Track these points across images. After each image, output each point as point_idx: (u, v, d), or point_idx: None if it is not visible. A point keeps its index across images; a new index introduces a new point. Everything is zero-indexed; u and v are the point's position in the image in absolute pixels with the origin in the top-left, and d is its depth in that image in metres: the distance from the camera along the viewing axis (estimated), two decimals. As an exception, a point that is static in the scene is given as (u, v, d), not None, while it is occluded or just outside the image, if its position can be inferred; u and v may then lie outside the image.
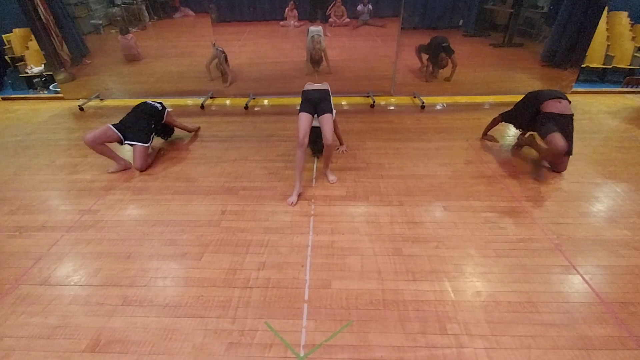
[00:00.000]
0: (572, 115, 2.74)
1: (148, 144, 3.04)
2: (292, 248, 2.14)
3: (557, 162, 2.84)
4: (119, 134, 2.95)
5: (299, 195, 2.61)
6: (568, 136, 2.66)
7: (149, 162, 3.08)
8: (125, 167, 3.03)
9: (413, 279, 1.90)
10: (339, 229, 2.28)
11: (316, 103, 2.68)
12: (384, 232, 2.25)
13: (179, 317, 1.73)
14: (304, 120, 2.64)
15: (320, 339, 1.61)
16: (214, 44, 4.55)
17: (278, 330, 1.64)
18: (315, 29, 4.53)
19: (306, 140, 2.60)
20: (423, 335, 1.61)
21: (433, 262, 2.01)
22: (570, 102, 2.79)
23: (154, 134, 3.15)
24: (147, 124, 3.08)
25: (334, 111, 2.80)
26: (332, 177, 2.82)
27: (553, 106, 2.75)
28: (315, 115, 2.70)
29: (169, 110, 3.33)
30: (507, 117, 3.19)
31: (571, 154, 2.73)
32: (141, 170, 3.00)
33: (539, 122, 2.78)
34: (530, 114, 2.91)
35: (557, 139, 2.58)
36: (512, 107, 3.14)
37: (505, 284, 1.87)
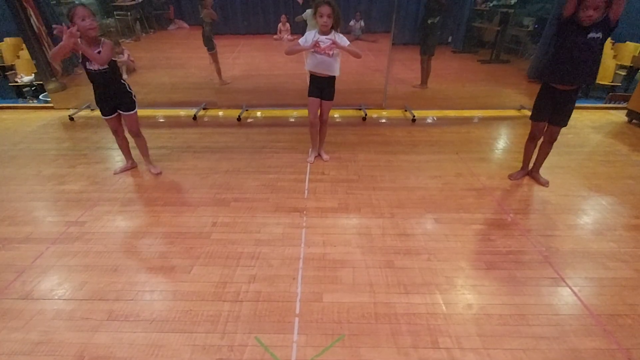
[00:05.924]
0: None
1: (136, 108, 2.95)
2: (283, 260, 2.12)
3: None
4: (113, 115, 2.89)
5: (315, 157, 3.33)
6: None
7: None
8: (132, 167, 3.19)
9: (405, 292, 1.90)
10: (330, 241, 2.27)
11: (322, 89, 3.00)
12: (375, 244, 2.25)
13: (167, 332, 1.68)
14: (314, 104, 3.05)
15: (312, 354, 1.58)
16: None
17: (268, 346, 1.61)
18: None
19: (317, 121, 3.10)
20: (415, 350, 1.59)
21: (425, 274, 2.01)
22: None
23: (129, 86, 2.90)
24: (120, 84, 2.80)
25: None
26: (325, 157, 3.32)
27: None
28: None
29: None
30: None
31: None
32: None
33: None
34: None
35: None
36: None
37: (496, 296, 1.87)
